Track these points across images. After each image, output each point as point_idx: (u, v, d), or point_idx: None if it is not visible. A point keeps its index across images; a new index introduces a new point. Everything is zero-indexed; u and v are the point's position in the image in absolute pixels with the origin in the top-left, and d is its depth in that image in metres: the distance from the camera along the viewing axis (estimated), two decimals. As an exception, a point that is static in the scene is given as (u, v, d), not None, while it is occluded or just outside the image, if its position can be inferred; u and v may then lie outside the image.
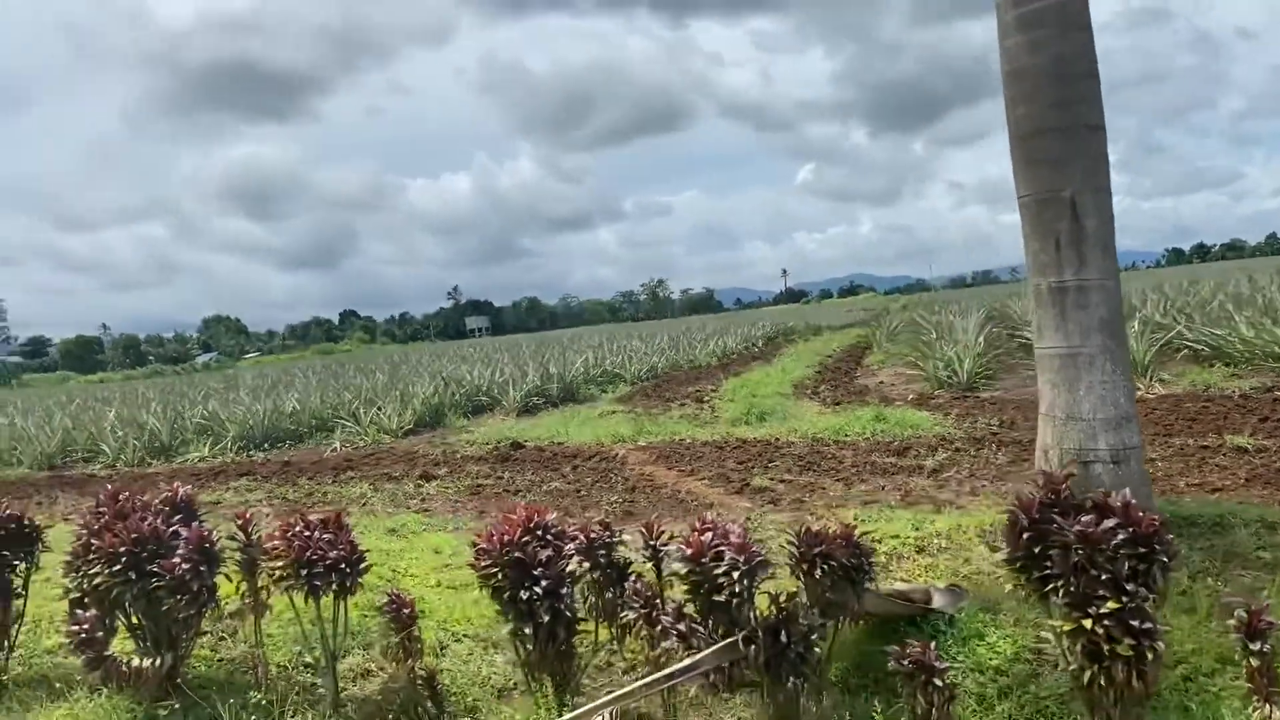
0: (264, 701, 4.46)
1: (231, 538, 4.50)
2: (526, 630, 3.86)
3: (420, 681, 4.19)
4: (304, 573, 4.09)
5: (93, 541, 4.53)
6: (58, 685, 4.84)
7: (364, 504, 9.25)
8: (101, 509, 4.69)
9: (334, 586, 4.14)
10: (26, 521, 5.10)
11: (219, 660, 5.05)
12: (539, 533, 3.91)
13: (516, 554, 3.84)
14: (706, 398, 15.35)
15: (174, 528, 4.60)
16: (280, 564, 4.17)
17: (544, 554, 3.84)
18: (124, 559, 4.39)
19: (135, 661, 4.28)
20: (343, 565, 4.14)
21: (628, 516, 7.90)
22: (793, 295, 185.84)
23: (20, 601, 5.07)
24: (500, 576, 3.82)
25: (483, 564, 3.85)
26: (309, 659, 4.79)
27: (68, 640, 4.30)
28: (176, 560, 4.46)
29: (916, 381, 14.79)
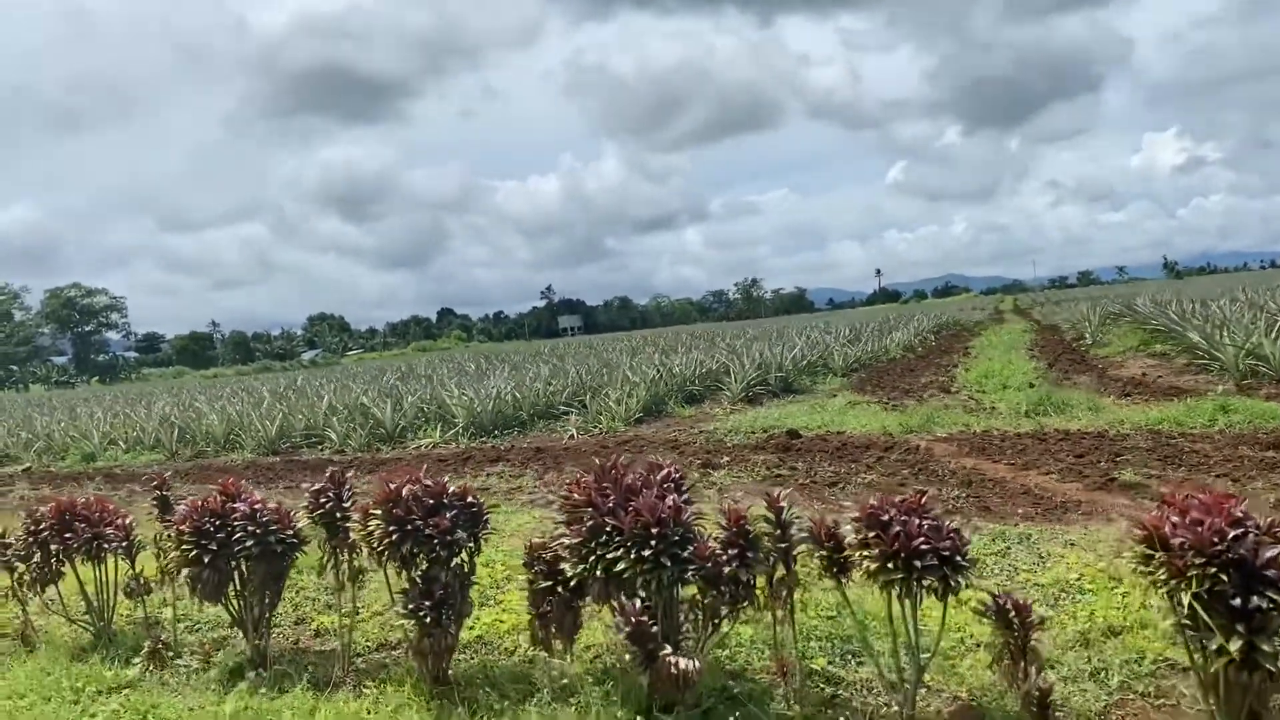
0: (794, 714, 3.77)
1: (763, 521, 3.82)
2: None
3: (1033, 706, 3.41)
4: (911, 566, 3.35)
5: (606, 521, 3.89)
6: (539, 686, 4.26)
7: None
8: (605, 486, 4.04)
9: (934, 584, 3.40)
10: (472, 499, 4.53)
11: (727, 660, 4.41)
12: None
13: (1226, 553, 3.02)
14: (953, 387, 14.35)
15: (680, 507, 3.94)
16: (870, 555, 3.44)
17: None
18: (652, 542, 3.74)
19: (682, 663, 3.60)
20: (951, 557, 3.39)
21: (985, 513, 7.08)
22: (887, 295, 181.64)
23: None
24: (1215, 579, 2.99)
25: (1184, 564, 3.04)
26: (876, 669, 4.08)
27: (621, 635, 3.64)
28: (713, 547, 3.80)
29: (1188, 373, 13.52)
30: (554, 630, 4.40)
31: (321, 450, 14.45)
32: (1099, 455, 8.51)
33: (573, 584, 4.27)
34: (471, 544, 4.46)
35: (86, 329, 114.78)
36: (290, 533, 4.86)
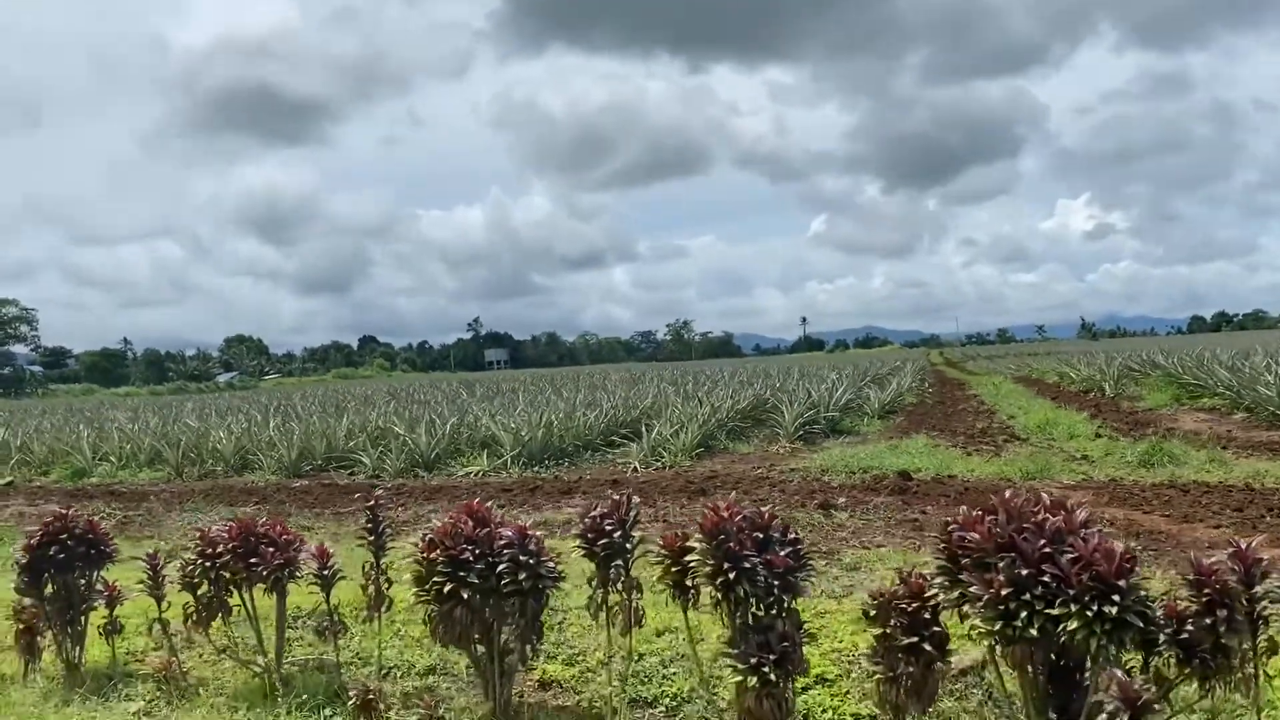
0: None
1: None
2: None
3: None
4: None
5: (1043, 571, 3.22)
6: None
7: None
8: (1024, 527, 3.38)
9: None
10: (794, 535, 3.83)
11: None
12: None
13: None
14: (1020, 433, 13.93)
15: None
16: None
17: None
18: (1115, 596, 3.08)
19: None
20: None
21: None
22: (811, 343, 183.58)
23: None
24: None
25: None
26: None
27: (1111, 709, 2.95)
28: (1185, 605, 3.16)
29: (1258, 428, 13.29)
30: (904, 695, 3.70)
31: (353, 475, 13.47)
32: (1258, 508, 8.05)
33: (938, 642, 3.59)
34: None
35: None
36: (552, 565, 4.10)
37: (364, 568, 4.51)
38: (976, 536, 3.45)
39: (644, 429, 13.83)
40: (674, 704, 4.31)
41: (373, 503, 4.50)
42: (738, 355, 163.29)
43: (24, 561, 4.92)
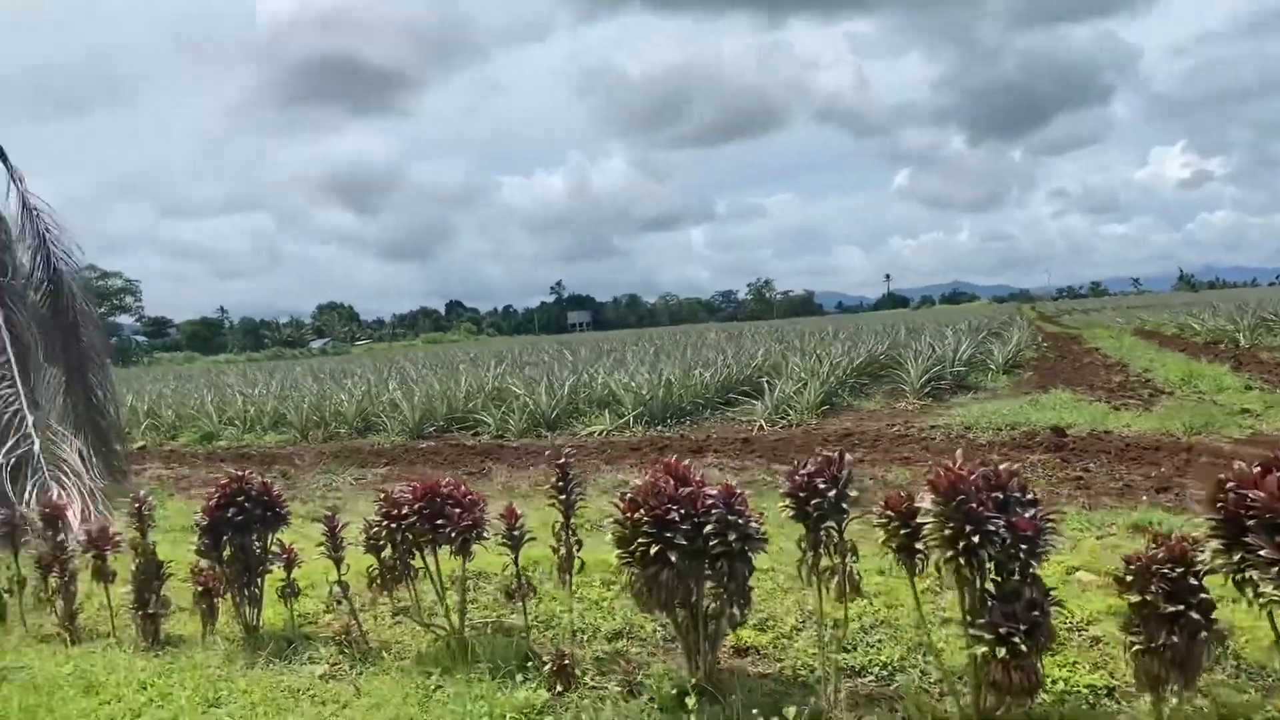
0: None
1: None
2: None
3: None
4: None
5: None
6: None
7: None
8: None
9: None
10: (1032, 495, 3.52)
11: None
12: None
13: None
14: (1164, 387, 13.22)
15: None
16: None
17: None
18: None
19: None
20: None
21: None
22: (895, 300, 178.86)
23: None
24: None
25: None
26: None
27: None
28: None
29: None
30: (1165, 667, 3.37)
31: (476, 435, 13.49)
32: None
33: (1205, 610, 3.25)
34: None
35: (100, 311, 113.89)
36: (757, 526, 3.86)
37: (553, 528, 4.34)
38: (1264, 495, 3.08)
39: (766, 386, 13.50)
40: (885, 673, 4.05)
41: (562, 460, 4.33)
42: (819, 313, 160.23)
43: (204, 524, 4.89)
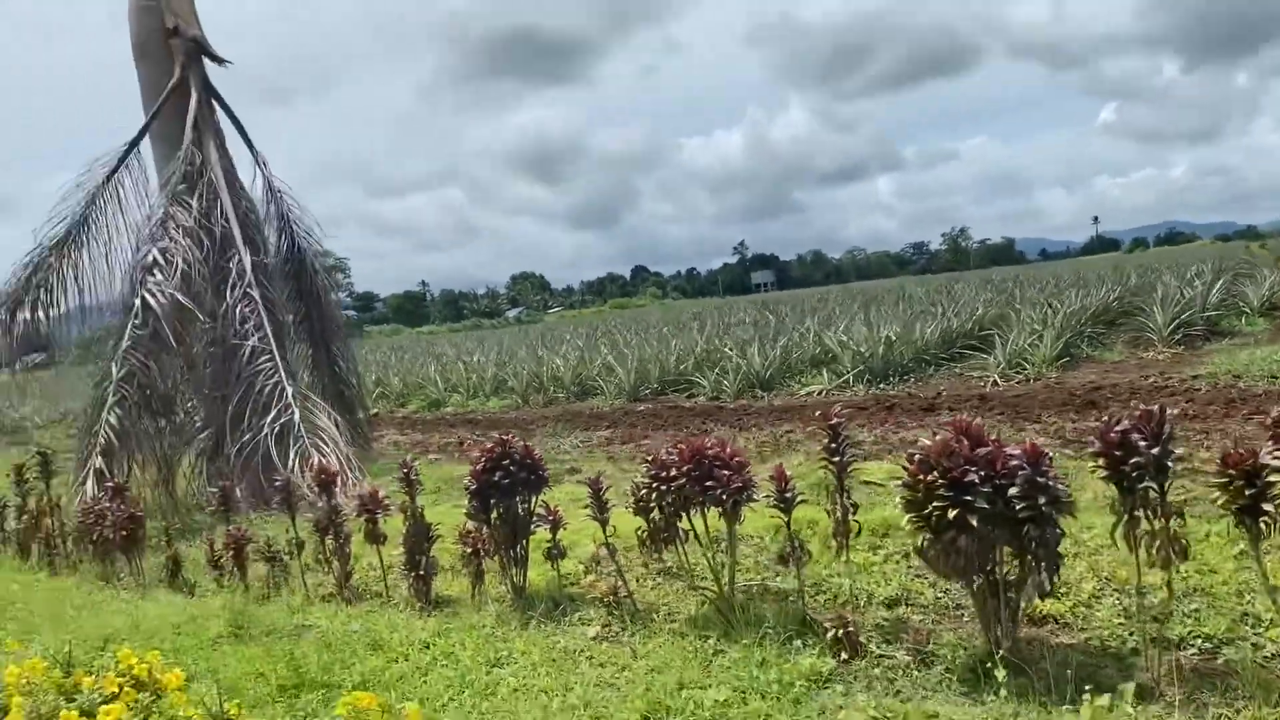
0: None
1: None
2: None
3: None
4: None
5: None
6: None
7: None
8: None
9: None
10: None
11: None
12: None
13: None
14: None
15: None
16: None
17: None
18: None
19: None
20: None
21: None
22: (1104, 243, 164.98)
23: None
24: None
25: None
26: None
27: None
28: None
29: None
30: None
31: (691, 397, 13.49)
32: None
33: None
34: None
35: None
36: (1064, 489, 3.55)
37: (827, 490, 4.17)
38: None
39: (997, 339, 12.79)
40: (1209, 645, 3.66)
41: (834, 422, 4.13)
42: (1020, 261, 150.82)
43: (473, 488, 5.01)
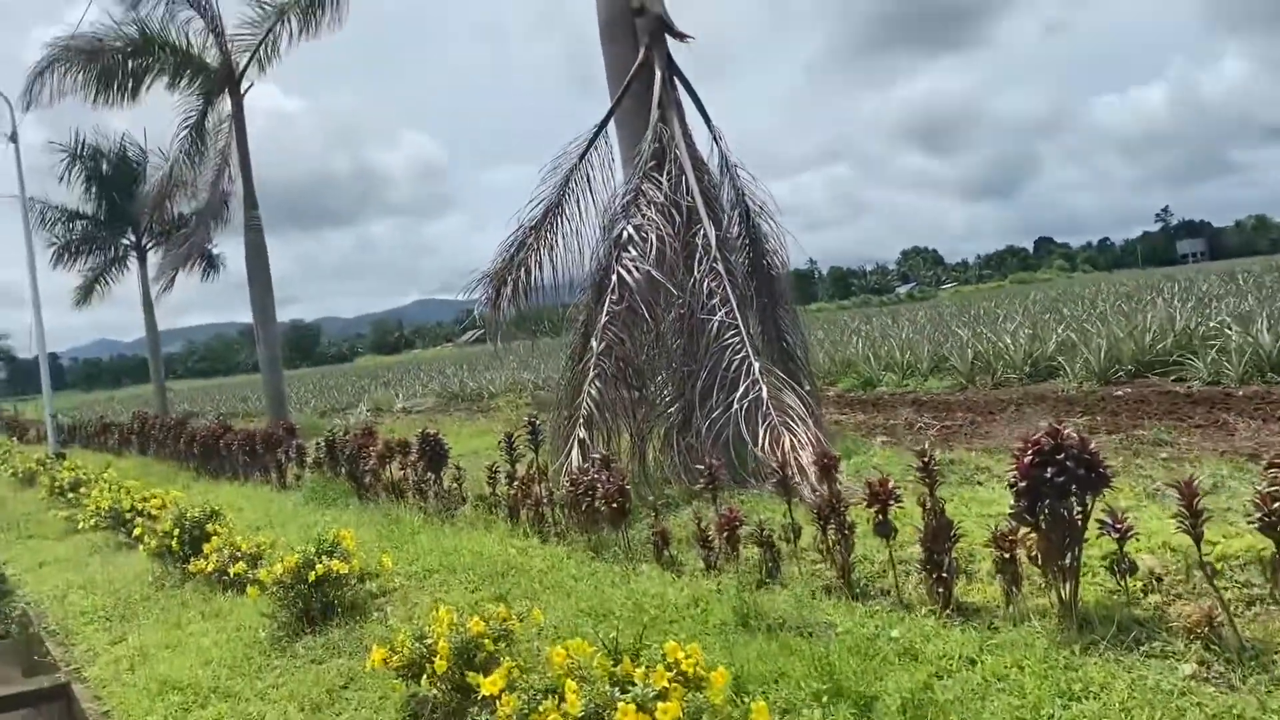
0: None
1: None
2: None
3: None
4: None
5: None
6: None
7: None
8: None
9: None
10: None
11: None
12: None
13: None
14: None
15: None
16: None
17: None
18: None
19: None
20: None
21: None
22: None
23: None
24: None
25: None
26: None
27: None
28: None
29: None
30: None
31: (1181, 380, 11.69)
32: None
33: None
34: None
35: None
36: None
37: None
38: None
39: None
40: None
41: None
42: None
43: (1021, 486, 4.32)
